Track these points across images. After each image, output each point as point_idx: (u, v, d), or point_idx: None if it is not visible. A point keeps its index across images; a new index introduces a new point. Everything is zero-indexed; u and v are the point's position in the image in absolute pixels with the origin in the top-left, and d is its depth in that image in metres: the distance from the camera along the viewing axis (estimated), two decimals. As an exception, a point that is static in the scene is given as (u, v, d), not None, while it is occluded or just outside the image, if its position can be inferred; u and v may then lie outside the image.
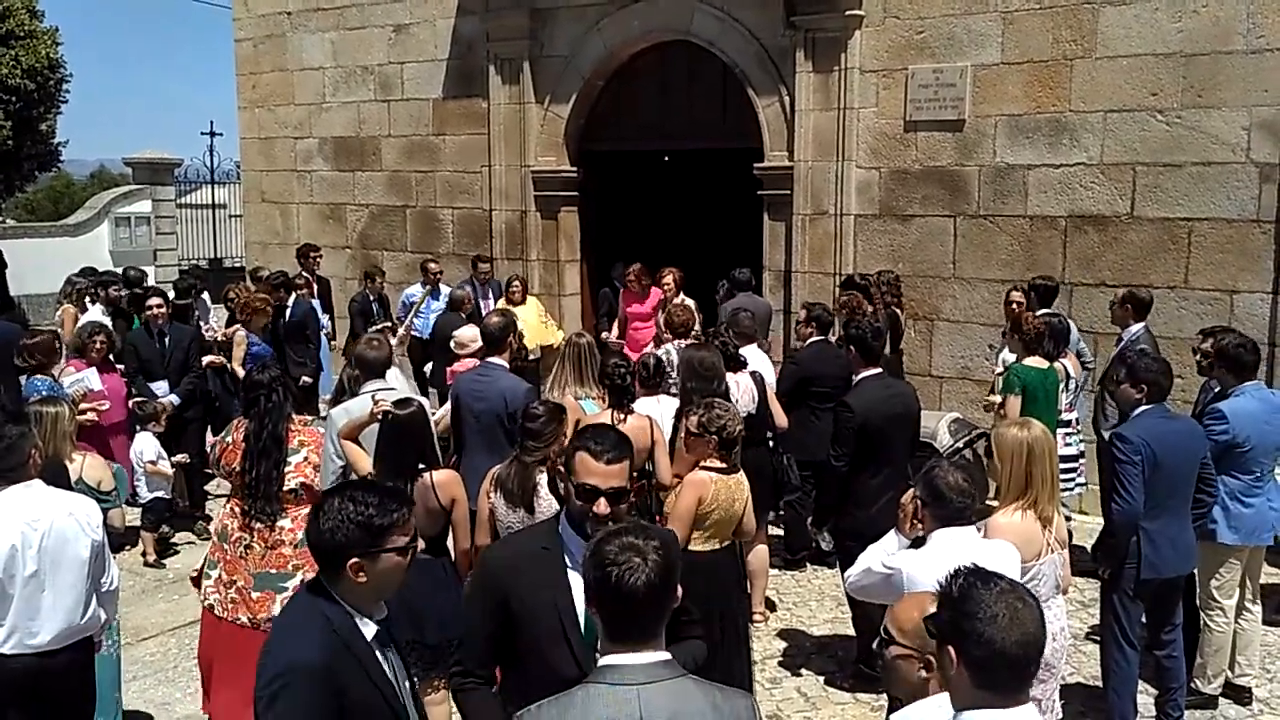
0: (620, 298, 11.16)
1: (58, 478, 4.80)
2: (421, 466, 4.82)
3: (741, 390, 6.72)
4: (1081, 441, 7.71)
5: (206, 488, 9.23)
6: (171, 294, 10.52)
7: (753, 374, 6.95)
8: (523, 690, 2.99)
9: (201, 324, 10.59)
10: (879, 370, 6.23)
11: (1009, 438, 4.35)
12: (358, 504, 2.78)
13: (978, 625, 2.32)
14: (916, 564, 3.76)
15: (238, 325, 9.48)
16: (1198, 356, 6.52)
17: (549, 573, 3.11)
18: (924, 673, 2.61)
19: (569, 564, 3.11)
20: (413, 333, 11.21)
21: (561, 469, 3.25)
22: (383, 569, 2.79)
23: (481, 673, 3.18)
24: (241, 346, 9.16)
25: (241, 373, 8.97)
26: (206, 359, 9.17)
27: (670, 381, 6.73)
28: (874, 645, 2.70)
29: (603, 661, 2.50)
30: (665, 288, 10.06)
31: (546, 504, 4.79)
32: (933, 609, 2.63)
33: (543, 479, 4.85)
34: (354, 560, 2.75)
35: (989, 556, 3.86)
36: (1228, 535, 5.65)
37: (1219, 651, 5.80)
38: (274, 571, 5.18)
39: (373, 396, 5.15)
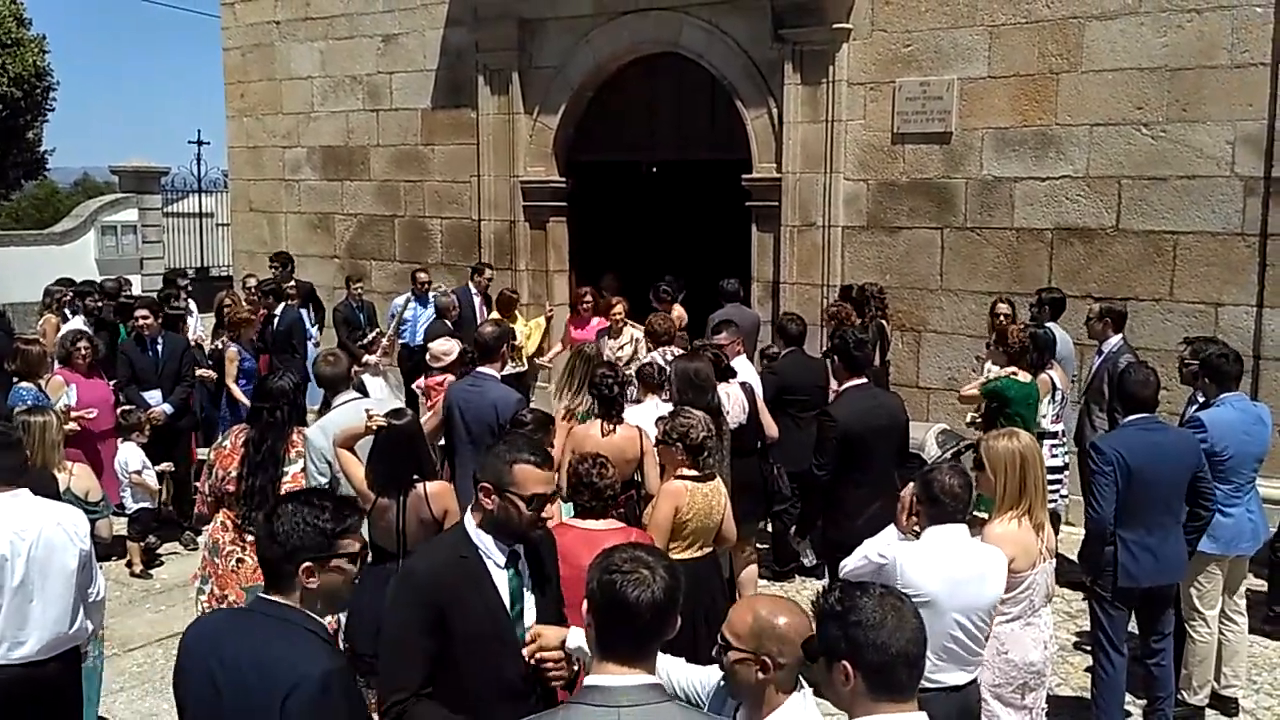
0: (567, 319, 10.94)
1: (47, 487, 4.78)
2: (415, 477, 4.81)
3: (732, 401, 6.73)
4: (1067, 454, 7.75)
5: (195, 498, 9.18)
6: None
7: (742, 384, 6.97)
8: (461, 693, 3.06)
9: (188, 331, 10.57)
10: (864, 380, 6.24)
11: (1001, 449, 4.39)
12: (313, 509, 2.82)
13: (870, 633, 2.36)
14: (910, 555, 3.90)
15: (227, 340, 9.43)
16: (1179, 366, 6.59)
17: (477, 579, 3.16)
18: (760, 674, 2.67)
19: (490, 568, 3.20)
20: (400, 341, 11.19)
21: (489, 485, 3.20)
22: (332, 576, 2.81)
23: (423, 692, 3.12)
24: (234, 362, 9.14)
25: (235, 388, 8.98)
26: (200, 372, 9.18)
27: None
28: (713, 652, 2.77)
29: (589, 681, 2.48)
30: (614, 317, 9.61)
31: None
32: (781, 619, 2.65)
33: None
34: (307, 565, 2.76)
35: (980, 554, 3.97)
36: (1208, 544, 5.67)
37: (1203, 662, 5.83)
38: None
39: (367, 411, 5.11)
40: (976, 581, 3.88)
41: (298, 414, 5.43)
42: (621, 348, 9.34)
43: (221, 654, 2.75)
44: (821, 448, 6.02)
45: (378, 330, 10.83)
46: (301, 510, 2.81)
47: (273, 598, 2.82)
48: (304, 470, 5.24)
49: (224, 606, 5.15)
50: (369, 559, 2.94)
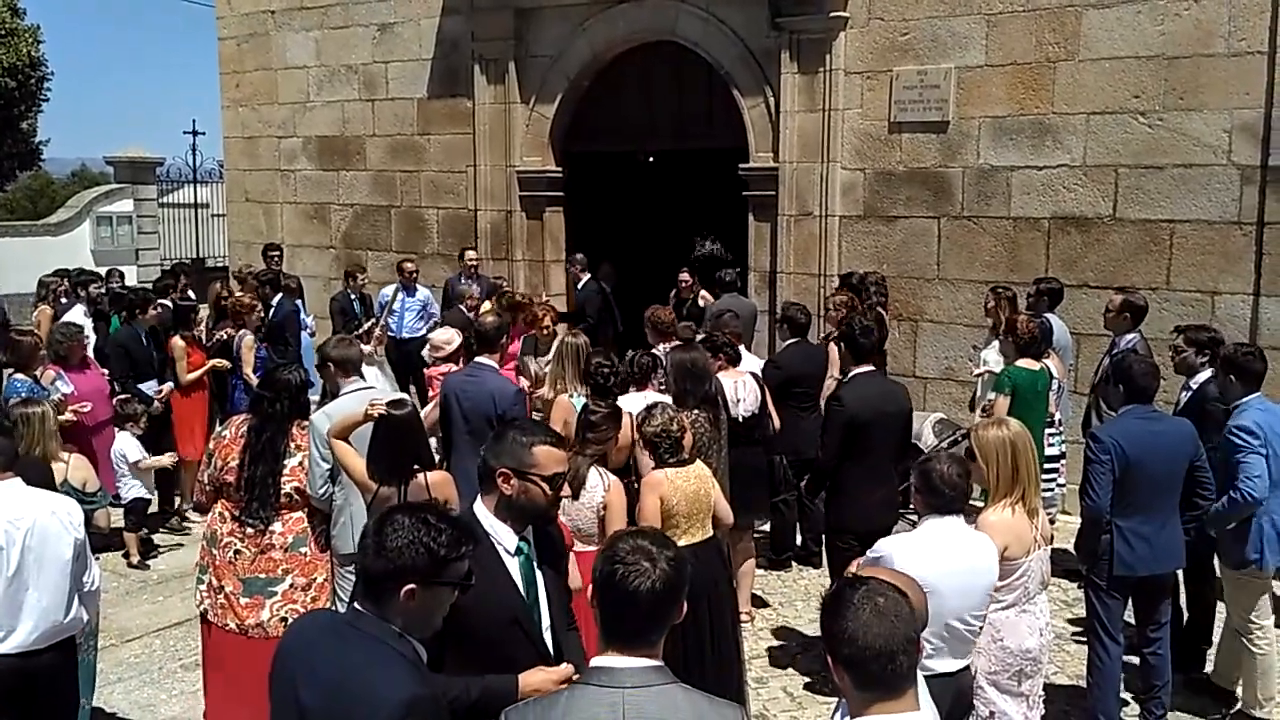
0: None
1: (44, 478, 4.77)
2: (415, 468, 4.80)
3: (747, 390, 6.75)
4: (1064, 442, 7.75)
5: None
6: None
7: (754, 375, 6.97)
8: (476, 675, 3.08)
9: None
10: (871, 368, 6.26)
11: (991, 438, 4.40)
12: (430, 529, 2.66)
13: (845, 625, 2.40)
14: (900, 547, 3.89)
15: (242, 330, 9.42)
16: (1171, 354, 6.58)
17: (488, 563, 3.16)
18: None
19: (502, 554, 3.24)
20: (388, 333, 11.17)
21: (508, 469, 3.24)
22: (434, 601, 2.69)
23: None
24: (251, 350, 9.14)
25: (254, 379, 8.95)
26: (211, 361, 9.18)
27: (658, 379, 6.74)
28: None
29: (595, 662, 2.52)
30: (544, 328, 8.35)
31: (589, 495, 4.96)
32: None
33: (593, 471, 5.02)
34: (410, 587, 2.62)
35: (974, 544, 3.98)
36: (1275, 558, 5.53)
37: (1265, 674, 5.66)
38: (263, 576, 5.12)
39: (371, 402, 5.08)
40: (971, 572, 3.90)
41: (300, 409, 5.40)
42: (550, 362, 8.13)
43: (310, 665, 2.66)
44: (826, 429, 6.03)
45: (373, 320, 10.81)
46: (417, 528, 2.64)
47: (366, 611, 2.67)
48: (302, 464, 5.21)
49: (221, 599, 5.14)
50: (472, 586, 2.83)
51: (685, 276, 10.45)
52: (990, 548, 4.06)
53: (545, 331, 8.31)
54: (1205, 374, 6.28)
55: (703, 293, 10.20)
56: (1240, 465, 5.37)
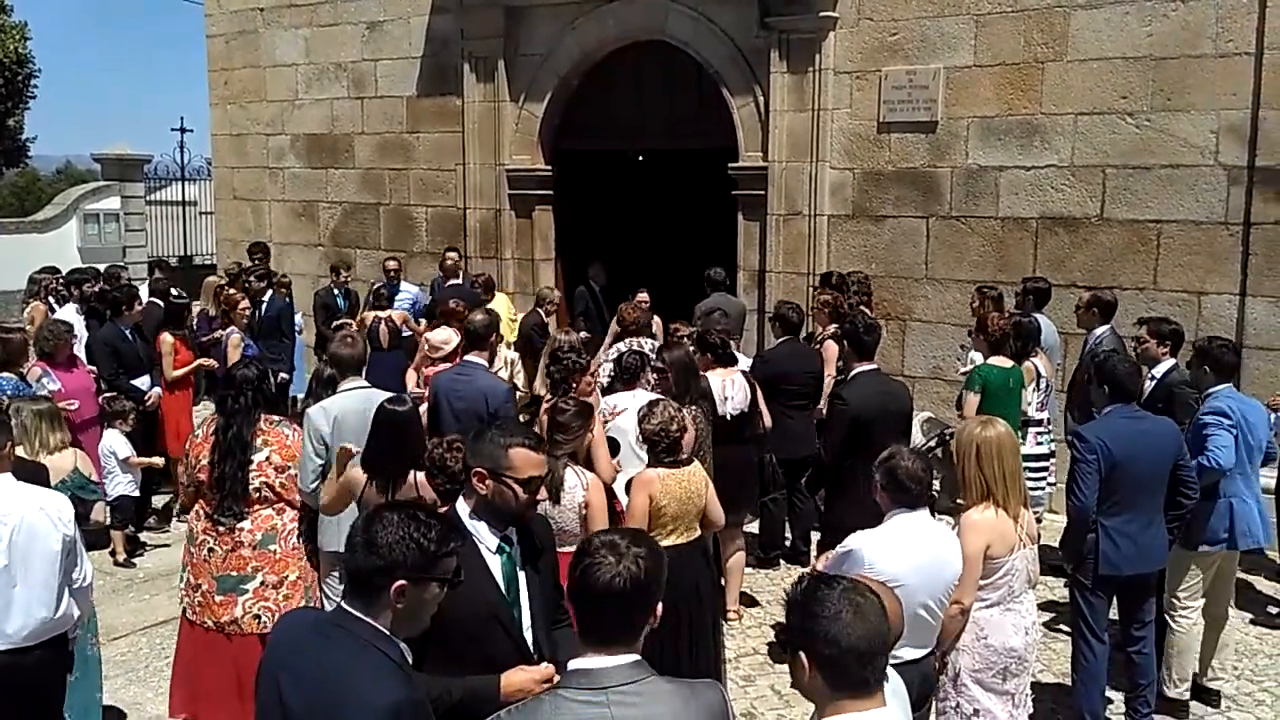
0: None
1: (34, 475, 4.76)
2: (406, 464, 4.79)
3: (736, 388, 6.76)
4: (1053, 441, 7.77)
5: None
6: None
7: (744, 373, 6.98)
8: (454, 673, 3.09)
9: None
10: (875, 366, 6.28)
11: (962, 437, 4.50)
12: (420, 525, 2.66)
13: (824, 624, 2.37)
14: (871, 541, 3.94)
15: (230, 328, 9.41)
16: (1134, 344, 6.72)
17: (469, 561, 3.14)
18: None
19: (483, 552, 3.26)
20: None
21: (483, 470, 3.23)
22: (423, 597, 2.67)
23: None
24: (238, 349, 9.12)
25: None
26: (198, 360, 9.15)
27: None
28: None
29: (573, 665, 2.52)
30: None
31: (569, 496, 4.84)
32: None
33: (569, 472, 4.86)
34: (401, 583, 2.61)
35: (939, 536, 4.05)
36: (1247, 541, 5.81)
37: (1182, 654, 5.77)
38: (234, 574, 5.12)
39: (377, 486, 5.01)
40: (937, 563, 3.97)
41: (266, 402, 5.37)
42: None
43: (294, 665, 2.64)
44: (829, 428, 6.04)
45: (346, 322, 10.78)
46: (407, 524, 2.64)
47: (353, 611, 2.64)
48: (269, 459, 5.18)
49: (199, 596, 5.15)
50: (461, 583, 2.82)
51: (644, 297, 10.44)
52: (954, 539, 4.15)
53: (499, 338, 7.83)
54: (1167, 363, 6.58)
55: (655, 318, 10.18)
56: (1209, 438, 5.65)
